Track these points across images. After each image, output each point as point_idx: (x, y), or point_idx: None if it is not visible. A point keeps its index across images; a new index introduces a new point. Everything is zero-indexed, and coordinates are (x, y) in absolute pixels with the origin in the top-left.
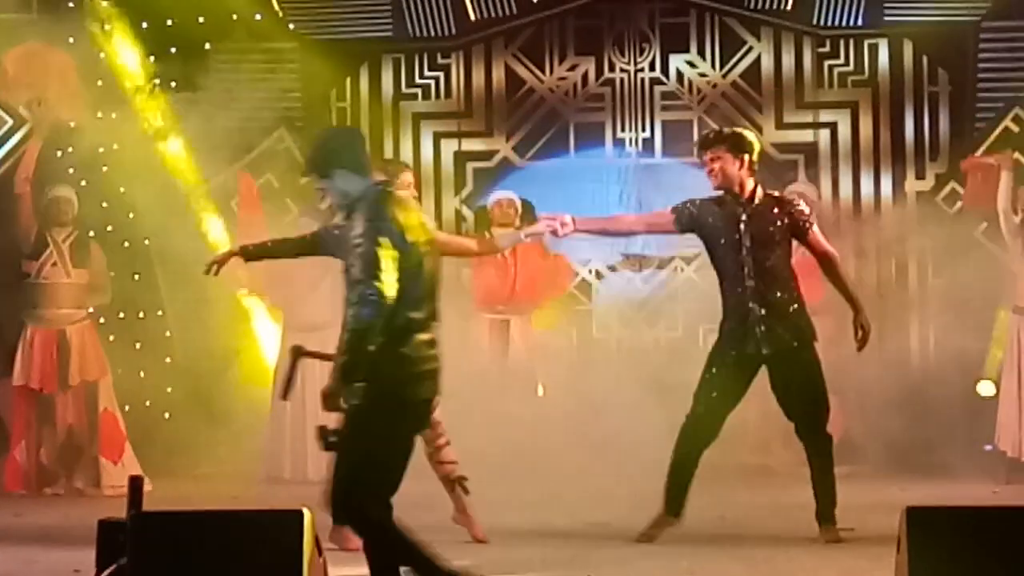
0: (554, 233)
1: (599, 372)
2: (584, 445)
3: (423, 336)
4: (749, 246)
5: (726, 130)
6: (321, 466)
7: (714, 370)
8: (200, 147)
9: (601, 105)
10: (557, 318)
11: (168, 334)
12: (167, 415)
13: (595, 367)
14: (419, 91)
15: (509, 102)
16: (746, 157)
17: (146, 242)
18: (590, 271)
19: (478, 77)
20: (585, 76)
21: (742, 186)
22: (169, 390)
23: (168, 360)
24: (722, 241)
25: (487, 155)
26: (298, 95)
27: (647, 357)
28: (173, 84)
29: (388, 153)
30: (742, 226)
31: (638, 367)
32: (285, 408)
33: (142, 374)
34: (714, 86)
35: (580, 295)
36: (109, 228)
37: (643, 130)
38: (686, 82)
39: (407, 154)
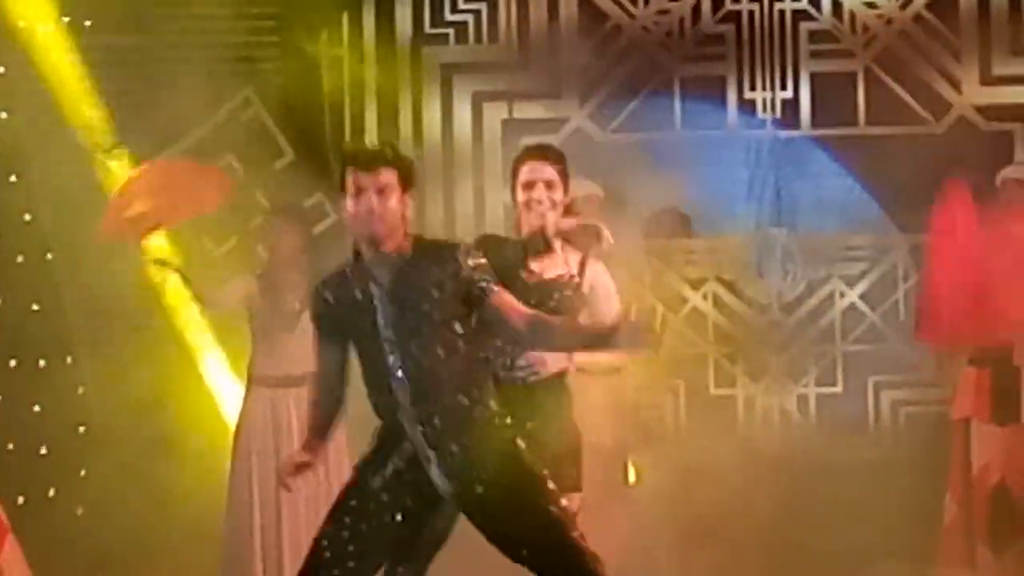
0: None
1: (722, 446)
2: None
3: None
4: (393, 334)
5: (367, 147)
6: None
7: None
8: (130, 116)
9: (720, 51)
10: (658, 367)
11: (81, 391)
12: (80, 511)
13: (711, 434)
14: (450, 32)
15: (584, 48)
16: (408, 197)
17: (49, 256)
18: (705, 295)
19: (537, 11)
20: (696, 8)
21: (397, 236)
22: (83, 473)
23: (82, 429)
24: (359, 332)
25: (551, 126)
26: (273, 39)
27: (790, 423)
28: (87, 23)
29: (404, 123)
30: (382, 302)
31: (779, 439)
32: (252, 501)
33: (43, 450)
34: (889, 22)
35: (691, 332)
36: None
37: (783, 88)
38: (846, 16)
39: (433, 123)
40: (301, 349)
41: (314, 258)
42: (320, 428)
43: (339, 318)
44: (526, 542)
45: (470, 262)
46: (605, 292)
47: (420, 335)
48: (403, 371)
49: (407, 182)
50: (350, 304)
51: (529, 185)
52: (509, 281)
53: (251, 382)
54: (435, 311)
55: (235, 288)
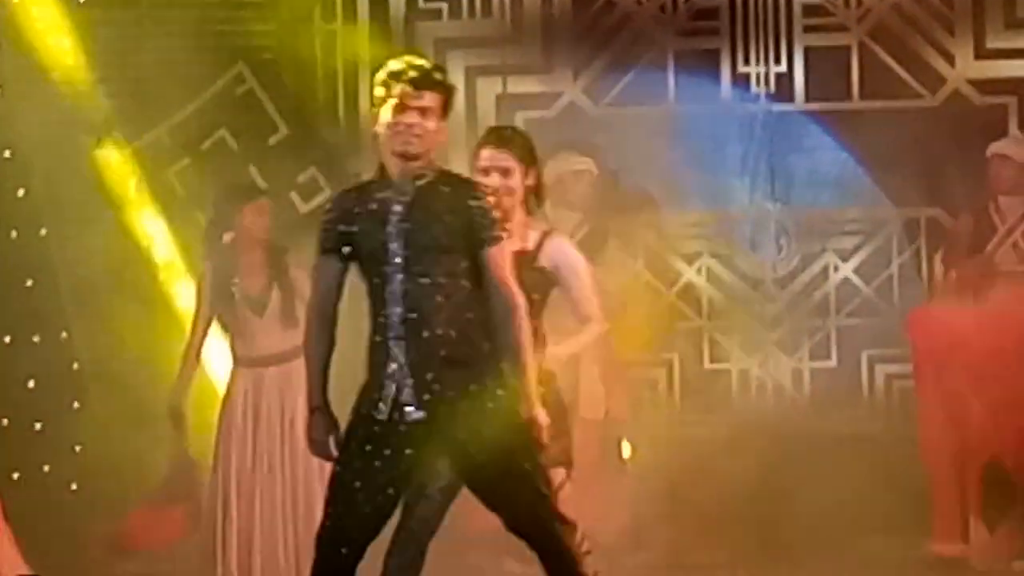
0: None
1: (716, 421)
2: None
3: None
4: (402, 253)
5: (421, 63)
6: (279, 565)
7: (353, 455)
8: (124, 91)
9: (714, 25)
10: (650, 341)
11: (76, 367)
12: (74, 486)
13: (709, 413)
14: (444, 7)
15: (577, 22)
16: (444, 124)
17: (43, 232)
18: (699, 270)
19: None
20: None
21: (426, 161)
22: (78, 449)
23: (76, 405)
24: (368, 247)
25: (545, 100)
26: (266, 14)
27: (783, 397)
28: None
29: None
30: (397, 219)
31: (773, 413)
32: (228, 477)
33: (38, 426)
34: None
35: (685, 306)
36: None
37: (776, 62)
38: None
39: None
40: (272, 331)
41: (278, 241)
42: (317, 372)
43: (348, 228)
44: (495, 485)
45: (482, 203)
46: (570, 268)
47: (425, 258)
48: (402, 289)
49: (446, 108)
50: (365, 214)
51: (485, 172)
52: None
53: (234, 363)
54: (444, 237)
55: (204, 298)
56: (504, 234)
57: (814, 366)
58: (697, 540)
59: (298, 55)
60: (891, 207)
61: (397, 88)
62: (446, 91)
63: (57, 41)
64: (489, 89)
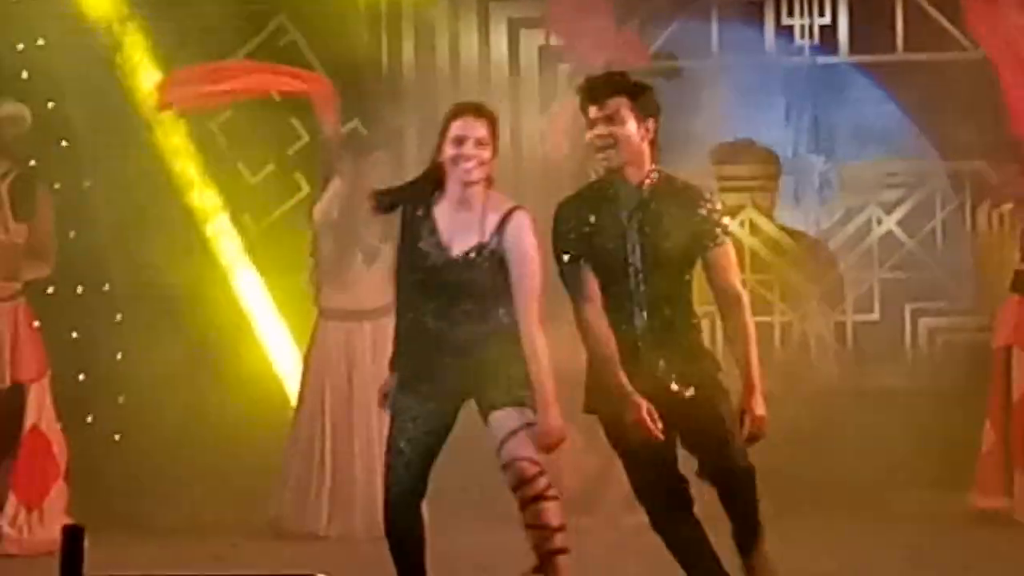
0: None
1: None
2: None
3: None
4: (640, 263)
5: (599, 75)
6: (356, 519)
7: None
8: (166, 43)
9: None
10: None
11: (119, 318)
12: (118, 436)
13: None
14: None
15: None
16: (651, 123)
17: (87, 185)
18: (741, 223)
19: None
20: None
21: (639, 165)
22: (121, 400)
23: (119, 356)
24: (605, 255)
25: None
26: None
27: (826, 351)
28: None
29: (441, 50)
30: (631, 229)
31: (815, 366)
32: (323, 431)
33: (82, 377)
34: None
35: None
36: (32, 162)
37: (821, 14)
38: None
39: (470, 50)
40: (375, 283)
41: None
42: (616, 371)
43: (586, 233)
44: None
45: (708, 207)
46: (520, 254)
47: (658, 271)
48: (640, 300)
49: (645, 108)
50: (599, 222)
51: (459, 141)
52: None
53: (321, 315)
54: (674, 249)
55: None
56: (728, 237)
57: (857, 319)
58: None
59: (341, 6)
60: (936, 160)
61: (586, 107)
62: (629, 93)
63: (106, 8)
64: (532, 41)
